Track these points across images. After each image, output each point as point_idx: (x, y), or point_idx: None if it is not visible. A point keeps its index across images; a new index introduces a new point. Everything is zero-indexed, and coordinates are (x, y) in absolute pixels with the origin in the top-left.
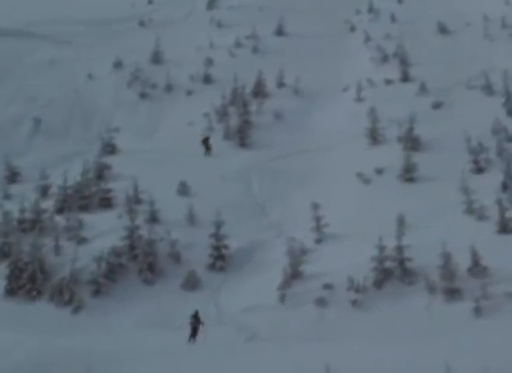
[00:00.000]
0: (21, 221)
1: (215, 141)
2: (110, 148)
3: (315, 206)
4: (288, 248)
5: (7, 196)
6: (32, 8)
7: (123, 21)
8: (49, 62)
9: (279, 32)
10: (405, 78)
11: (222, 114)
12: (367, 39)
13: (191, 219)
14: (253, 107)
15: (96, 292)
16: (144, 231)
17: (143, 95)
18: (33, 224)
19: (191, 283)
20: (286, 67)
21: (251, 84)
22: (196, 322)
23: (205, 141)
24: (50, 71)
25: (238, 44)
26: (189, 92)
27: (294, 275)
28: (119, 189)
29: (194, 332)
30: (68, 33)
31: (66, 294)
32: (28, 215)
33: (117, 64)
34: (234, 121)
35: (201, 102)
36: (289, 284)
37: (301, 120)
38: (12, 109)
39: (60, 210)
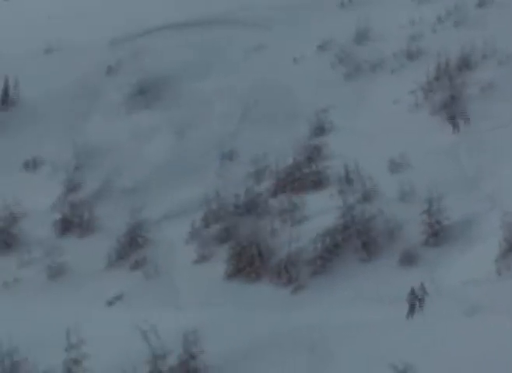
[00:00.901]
0: (237, 206)
1: (422, 117)
2: (318, 130)
3: None
4: (502, 221)
5: (223, 181)
6: None
7: (320, 4)
8: (254, 49)
9: (482, 3)
10: None
11: (428, 90)
12: None
13: (404, 196)
14: (459, 81)
15: (314, 272)
16: (358, 210)
17: (348, 75)
18: (249, 208)
19: (407, 259)
20: (490, 38)
21: (456, 58)
22: (414, 297)
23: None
24: (255, 58)
25: (440, 19)
26: (393, 70)
27: (510, 248)
28: (331, 169)
29: (412, 308)
30: (266, 19)
31: (285, 276)
32: (244, 199)
33: (321, 47)
34: (441, 96)
35: (405, 80)
36: (505, 257)
37: (510, 90)
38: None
39: (274, 193)
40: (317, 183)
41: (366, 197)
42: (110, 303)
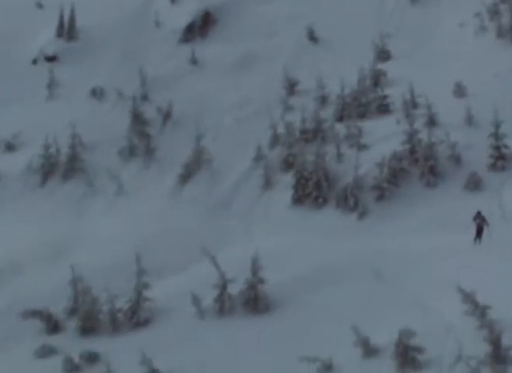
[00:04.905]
0: (303, 132)
1: (488, 40)
2: (384, 54)
3: None
4: None
5: (288, 108)
6: None
7: None
8: None
9: None
10: None
11: (494, 12)
12: None
13: (469, 120)
14: None
15: (380, 197)
16: (423, 135)
17: (414, 0)
18: (315, 133)
19: (473, 184)
20: None
21: None
22: (480, 222)
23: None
24: None
25: None
26: None
27: None
28: (395, 94)
29: (479, 233)
30: None
31: (351, 200)
32: (309, 125)
33: None
34: (506, 19)
35: (471, 2)
36: None
37: None
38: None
39: (339, 119)
40: (383, 108)
41: (432, 122)
42: None
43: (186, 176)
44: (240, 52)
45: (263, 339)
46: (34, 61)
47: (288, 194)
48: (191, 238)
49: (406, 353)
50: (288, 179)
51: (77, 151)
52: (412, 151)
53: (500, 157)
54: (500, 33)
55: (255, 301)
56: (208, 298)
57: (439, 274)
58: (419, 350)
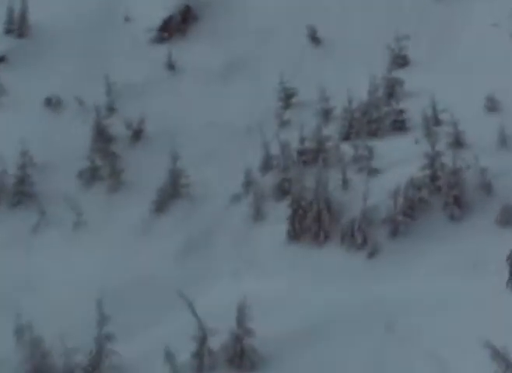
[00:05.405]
0: (301, 152)
1: None
2: (401, 60)
3: None
4: None
5: (284, 123)
6: None
7: None
8: None
9: None
10: None
11: None
12: None
13: (503, 141)
14: None
15: (394, 232)
16: (447, 158)
17: None
18: (316, 154)
19: (506, 217)
20: None
21: None
22: None
23: None
24: None
25: None
26: None
27: None
28: (414, 108)
29: None
30: None
31: (359, 237)
32: (309, 145)
33: None
34: None
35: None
36: None
37: None
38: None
39: (346, 137)
40: (398, 124)
41: (458, 143)
42: None
43: (160, 204)
44: (226, 55)
45: None
46: None
47: (282, 228)
48: (165, 280)
49: None
50: (282, 209)
51: (27, 172)
52: (434, 178)
53: None
54: None
55: (241, 358)
56: (185, 354)
57: (462, 326)
58: None
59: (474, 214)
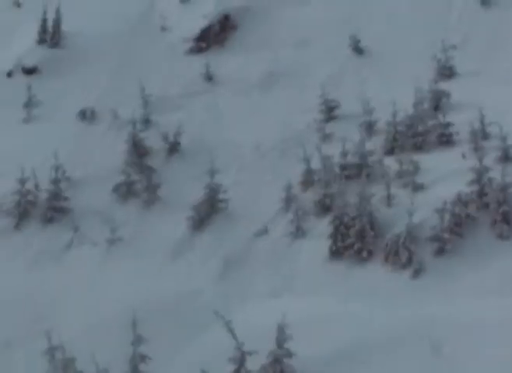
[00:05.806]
0: (344, 167)
1: None
2: (447, 71)
3: None
4: None
5: (325, 137)
6: None
7: None
8: None
9: None
10: None
11: None
12: None
13: None
14: None
15: (440, 250)
16: (496, 174)
17: (485, 3)
18: (359, 169)
19: None
20: None
21: None
22: None
23: None
24: None
25: None
26: None
27: None
28: (461, 121)
29: None
30: None
31: (403, 254)
32: (352, 159)
33: None
34: None
35: None
36: None
37: None
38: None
39: (390, 152)
40: (445, 138)
41: (507, 157)
42: None
43: (197, 220)
44: (265, 66)
45: None
46: (9, 74)
47: (324, 245)
48: (201, 299)
49: None
50: (324, 226)
51: (60, 187)
52: (482, 194)
53: None
54: None
55: None
56: None
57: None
58: None
59: None
